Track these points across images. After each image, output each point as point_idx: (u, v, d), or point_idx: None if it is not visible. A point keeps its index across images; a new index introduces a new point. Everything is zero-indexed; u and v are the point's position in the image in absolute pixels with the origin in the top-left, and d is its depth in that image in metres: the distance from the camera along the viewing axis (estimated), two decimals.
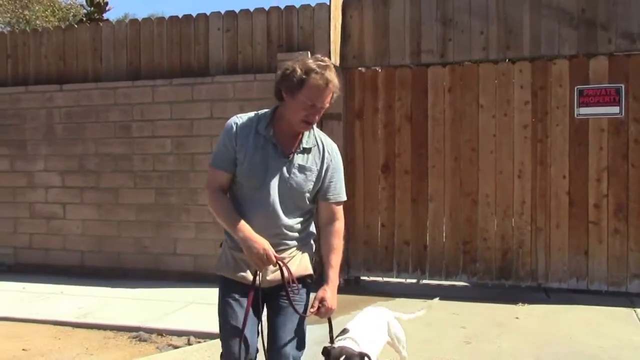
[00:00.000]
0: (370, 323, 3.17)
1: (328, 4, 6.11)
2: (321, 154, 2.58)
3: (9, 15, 25.64)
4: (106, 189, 6.81)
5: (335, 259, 2.60)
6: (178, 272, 6.52)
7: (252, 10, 6.41)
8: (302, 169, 2.52)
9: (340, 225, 2.67)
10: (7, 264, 7.21)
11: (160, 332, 4.70)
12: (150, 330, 4.73)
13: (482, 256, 6.05)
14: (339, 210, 2.66)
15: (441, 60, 6.15)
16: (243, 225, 2.43)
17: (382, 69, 6.32)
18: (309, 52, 6.02)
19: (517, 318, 4.98)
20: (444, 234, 6.17)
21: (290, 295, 2.50)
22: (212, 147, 6.30)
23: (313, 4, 6.20)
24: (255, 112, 2.60)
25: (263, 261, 2.43)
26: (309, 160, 2.54)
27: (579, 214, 5.79)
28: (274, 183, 2.47)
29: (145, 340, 4.56)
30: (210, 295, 5.54)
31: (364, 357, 2.62)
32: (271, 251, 2.43)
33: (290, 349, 2.53)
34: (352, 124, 6.37)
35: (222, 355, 2.57)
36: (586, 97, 5.75)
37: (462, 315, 5.04)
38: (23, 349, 4.37)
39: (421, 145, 6.19)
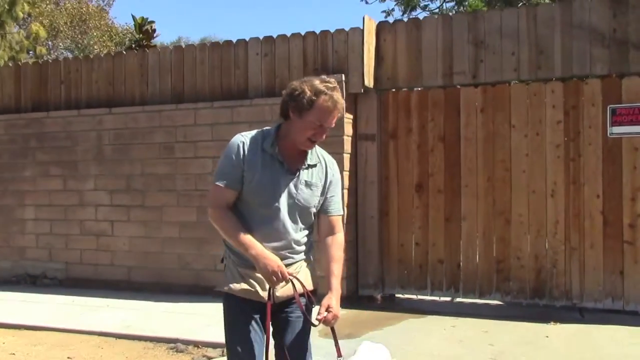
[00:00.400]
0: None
1: (361, 28, 6.30)
2: (324, 169, 2.72)
3: (68, 40, 26.72)
4: (151, 207, 7.13)
5: (338, 269, 2.71)
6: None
7: (289, 35, 6.67)
8: (309, 184, 2.65)
9: (341, 237, 2.77)
10: (59, 278, 7.60)
11: (197, 344, 4.92)
12: (187, 342, 4.95)
13: (515, 275, 6.08)
14: (339, 223, 2.77)
15: (473, 81, 6.26)
16: (254, 242, 2.54)
17: (415, 91, 6.46)
18: (342, 75, 6.27)
19: (546, 337, 5.01)
20: (477, 253, 6.23)
21: (297, 309, 2.62)
22: None
23: (347, 29, 6.41)
24: (258, 130, 2.70)
25: (278, 278, 2.53)
26: (314, 176, 2.67)
27: (614, 234, 5.77)
28: (283, 199, 2.60)
29: (182, 351, 4.79)
30: None
31: None
32: (284, 268, 2.55)
33: None
34: (386, 144, 6.52)
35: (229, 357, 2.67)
36: (619, 116, 5.76)
37: (492, 333, 5.10)
38: (68, 357, 4.65)
39: (454, 164, 6.28)
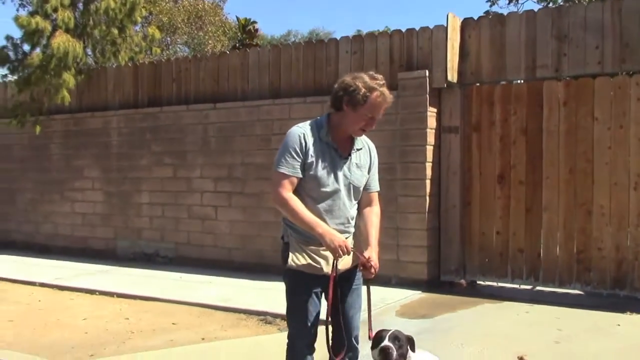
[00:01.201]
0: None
1: (445, 25, 6.58)
2: (368, 152, 3.16)
3: (185, 36, 28.20)
4: (250, 194, 7.77)
5: (376, 232, 3.11)
6: None
7: (376, 34, 7.05)
8: (359, 166, 3.07)
9: (378, 209, 3.19)
10: (170, 257, 8.43)
11: (284, 317, 5.44)
12: (275, 315, 5.49)
13: (596, 266, 6.16)
14: (376, 197, 3.20)
15: (556, 75, 6.37)
16: (319, 221, 2.93)
17: (499, 85, 6.65)
18: (426, 71, 6.57)
19: (618, 325, 5.12)
20: (558, 243, 6.36)
21: (354, 277, 3.07)
22: None
23: (431, 26, 6.70)
24: (311, 120, 3.08)
25: (343, 252, 2.91)
26: (362, 159, 3.11)
27: None
28: (341, 181, 3.01)
29: (270, 323, 5.34)
30: None
31: (411, 340, 3.00)
32: (348, 242, 2.96)
33: (357, 324, 3.13)
34: (469, 136, 6.76)
35: (293, 341, 3.12)
36: None
37: (564, 320, 5.27)
38: (173, 323, 5.33)
39: (536, 157, 6.43)
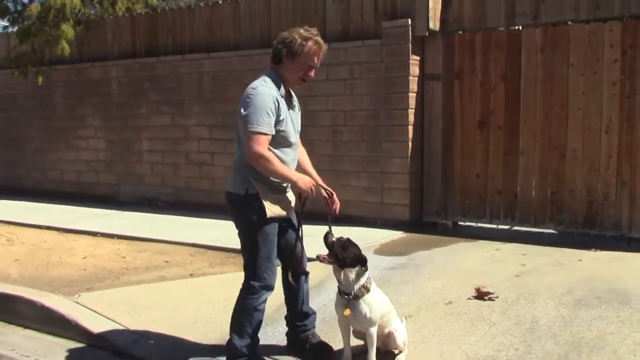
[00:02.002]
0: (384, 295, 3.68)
1: None
2: (297, 100, 3.53)
3: None
4: None
5: (313, 169, 3.66)
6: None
7: None
8: (299, 115, 3.52)
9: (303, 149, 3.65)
10: (170, 201, 8.83)
11: None
12: None
13: (568, 206, 6.47)
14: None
15: (534, 22, 6.55)
16: (291, 170, 3.40)
17: (480, 32, 6.83)
18: (409, 20, 6.77)
19: (580, 260, 5.47)
20: (533, 185, 6.66)
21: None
22: (328, 105, 7.33)
23: None
24: (265, 78, 3.36)
25: (313, 192, 3.37)
26: (298, 107, 3.53)
27: None
28: (296, 132, 3.44)
29: None
30: (318, 231, 6.68)
31: (363, 259, 3.40)
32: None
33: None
34: (451, 83, 6.98)
35: (262, 274, 3.44)
36: None
37: (530, 256, 5.63)
38: (165, 261, 5.76)
39: (514, 102, 6.66)
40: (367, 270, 3.44)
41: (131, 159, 9.17)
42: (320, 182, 3.54)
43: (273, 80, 3.37)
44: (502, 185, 6.79)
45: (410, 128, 6.91)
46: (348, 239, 3.45)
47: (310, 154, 7.30)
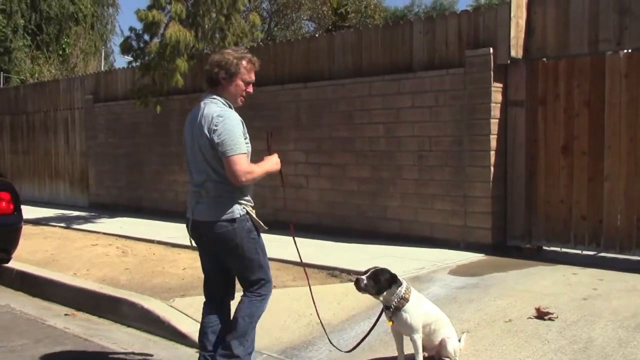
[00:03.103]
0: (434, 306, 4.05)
1: (509, 4, 6.93)
2: None
3: (310, 12, 29.08)
4: (336, 165, 8.57)
5: None
6: (387, 233, 7.98)
7: (447, 14, 7.52)
8: None
9: None
10: (269, 221, 9.41)
11: (349, 272, 6.22)
12: (342, 270, 6.28)
13: None
14: None
15: (618, 48, 6.56)
16: (262, 164, 3.71)
17: (563, 59, 6.92)
18: (490, 48, 7.00)
19: None
20: (619, 211, 6.61)
21: None
22: (414, 131, 7.66)
23: (497, 6, 7.08)
24: (224, 104, 3.54)
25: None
26: None
27: None
28: None
29: (335, 276, 6.15)
30: (401, 252, 7.02)
31: (391, 278, 3.75)
32: None
33: None
34: (535, 109, 7.10)
35: (266, 281, 3.80)
36: None
37: (606, 282, 5.63)
38: None
39: (598, 128, 6.68)
40: (400, 284, 3.73)
41: None
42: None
43: (229, 106, 3.59)
44: (586, 210, 6.79)
45: (493, 153, 7.08)
46: (376, 270, 3.80)
47: (397, 178, 7.73)
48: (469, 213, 7.26)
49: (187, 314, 5.02)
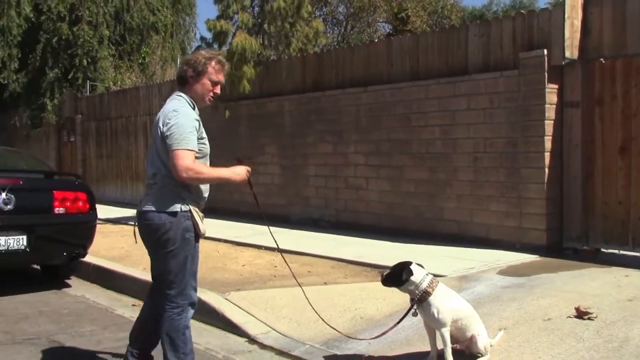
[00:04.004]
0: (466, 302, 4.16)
1: (564, 6, 6.93)
2: None
3: (385, 14, 29.21)
4: (395, 167, 8.76)
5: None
6: (444, 233, 8.10)
7: (501, 17, 7.58)
8: None
9: None
10: (331, 221, 9.73)
11: None
12: None
13: None
14: None
15: None
16: (220, 170, 3.68)
17: (620, 59, 6.85)
18: (545, 50, 7.01)
19: None
20: None
21: None
22: (469, 133, 7.76)
23: (551, 7, 7.08)
24: (181, 101, 3.57)
25: (249, 172, 3.84)
26: None
27: None
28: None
29: None
30: (454, 252, 7.15)
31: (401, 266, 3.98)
32: None
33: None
34: (591, 110, 7.05)
35: (185, 289, 3.62)
36: None
37: None
38: (308, 271, 6.59)
39: None
40: (423, 278, 3.91)
41: (300, 183, 10.25)
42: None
43: (187, 102, 3.62)
44: None
45: (547, 155, 7.08)
46: (398, 264, 4.06)
47: (453, 179, 7.85)
48: (524, 214, 7.28)
49: (240, 306, 5.36)
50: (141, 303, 6.05)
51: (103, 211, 10.56)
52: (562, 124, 7.19)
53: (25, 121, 18.69)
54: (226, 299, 5.54)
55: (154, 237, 3.58)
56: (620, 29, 6.81)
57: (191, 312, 3.74)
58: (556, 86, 7.13)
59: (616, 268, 6.29)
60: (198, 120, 3.61)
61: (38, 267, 7.48)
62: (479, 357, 4.03)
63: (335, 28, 24.60)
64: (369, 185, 9.14)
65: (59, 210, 6.47)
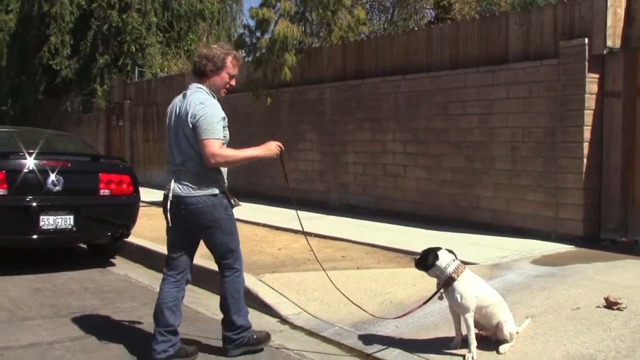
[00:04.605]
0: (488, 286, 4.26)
1: None
2: None
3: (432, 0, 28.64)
4: (432, 155, 8.79)
5: None
6: (480, 222, 8.11)
7: (542, 5, 7.50)
8: None
9: None
10: (370, 208, 9.82)
11: None
12: None
13: None
14: None
15: None
16: (250, 148, 4.05)
17: None
18: (585, 39, 6.94)
19: None
20: None
21: None
22: (508, 122, 7.75)
23: None
24: (207, 93, 3.91)
25: (281, 147, 4.11)
26: None
27: None
28: None
29: None
30: (489, 241, 7.18)
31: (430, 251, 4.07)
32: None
33: None
34: (633, 100, 6.94)
35: (237, 255, 4.16)
36: None
37: None
38: (342, 256, 6.73)
39: None
40: (449, 264, 3.99)
41: (339, 169, 10.37)
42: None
43: (211, 94, 3.95)
44: None
45: (586, 145, 7.02)
46: (428, 249, 4.15)
47: (490, 168, 7.86)
48: (561, 204, 7.24)
49: (273, 287, 5.53)
50: None
51: (148, 194, 10.91)
52: (603, 114, 7.11)
53: (77, 106, 19.26)
54: (260, 281, 5.72)
55: (201, 219, 3.93)
56: None
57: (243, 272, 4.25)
58: (597, 76, 7.04)
59: None
60: (224, 115, 3.94)
61: (85, 246, 7.81)
62: (505, 344, 4.10)
63: (382, 15, 24.53)
64: (407, 173, 9.19)
65: (104, 192, 6.76)
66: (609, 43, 6.87)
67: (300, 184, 11.16)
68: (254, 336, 4.26)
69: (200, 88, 3.96)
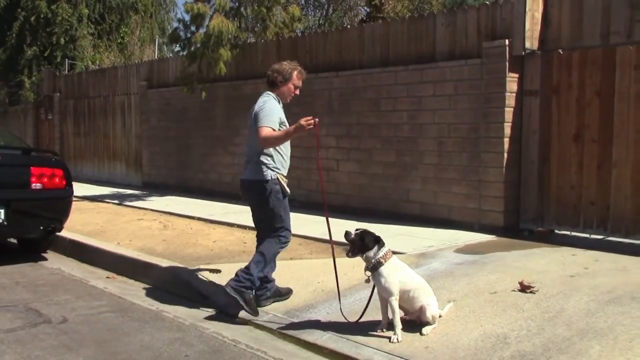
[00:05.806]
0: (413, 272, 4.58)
1: None
2: None
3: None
4: (364, 150, 9.08)
5: None
6: (409, 214, 8.45)
7: (466, 7, 7.89)
8: None
9: None
10: (303, 201, 10.02)
11: None
12: None
13: None
14: None
15: (628, 41, 6.81)
16: (286, 129, 4.84)
17: (576, 51, 7.20)
18: (506, 40, 7.34)
19: None
20: (625, 197, 6.89)
21: None
22: (435, 119, 8.09)
23: (514, 0, 7.41)
24: (270, 96, 4.98)
25: (308, 122, 4.69)
26: None
27: None
28: None
29: None
30: (417, 232, 7.46)
31: (377, 239, 4.33)
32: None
33: None
34: (549, 99, 7.41)
35: (285, 229, 5.07)
36: None
37: (600, 262, 5.97)
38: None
39: (608, 117, 6.96)
40: (382, 246, 4.27)
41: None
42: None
43: (274, 99, 5.00)
44: (595, 196, 7.09)
45: (507, 140, 7.45)
46: (363, 231, 4.36)
47: (418, 163, 8.17)
48: (483, 197, 7.65)
49: (208, 278, 5.67)
50: (114, 276, 6.40)
51: (80, 189, 10.79)
52: (522, 111, 7.55)
53: (3, 98, 18.71)
54: (197, 273, 5.84)
55: (258, 197, 4.93)
56: (577, 22, 7.16)
57: (284, 246, 5.13)
58: (517, 75, 7.47)
59: (565, 248, 6.69)
60: (280, 110, 4.94)
61: (15, 240, 7.72)
62: (427, 326, 4.38)
63: (317, 11, 24.80)
64: (340, 167, 9.45)
65: (36, 185, 6.71)
66: (528, 45, 7.31)
67: (236, 178, 11.19)
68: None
69: (269, 94, 4.98)
